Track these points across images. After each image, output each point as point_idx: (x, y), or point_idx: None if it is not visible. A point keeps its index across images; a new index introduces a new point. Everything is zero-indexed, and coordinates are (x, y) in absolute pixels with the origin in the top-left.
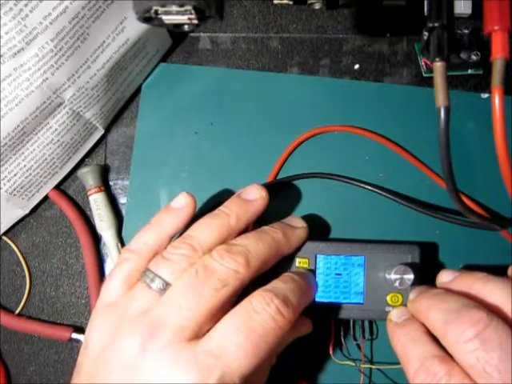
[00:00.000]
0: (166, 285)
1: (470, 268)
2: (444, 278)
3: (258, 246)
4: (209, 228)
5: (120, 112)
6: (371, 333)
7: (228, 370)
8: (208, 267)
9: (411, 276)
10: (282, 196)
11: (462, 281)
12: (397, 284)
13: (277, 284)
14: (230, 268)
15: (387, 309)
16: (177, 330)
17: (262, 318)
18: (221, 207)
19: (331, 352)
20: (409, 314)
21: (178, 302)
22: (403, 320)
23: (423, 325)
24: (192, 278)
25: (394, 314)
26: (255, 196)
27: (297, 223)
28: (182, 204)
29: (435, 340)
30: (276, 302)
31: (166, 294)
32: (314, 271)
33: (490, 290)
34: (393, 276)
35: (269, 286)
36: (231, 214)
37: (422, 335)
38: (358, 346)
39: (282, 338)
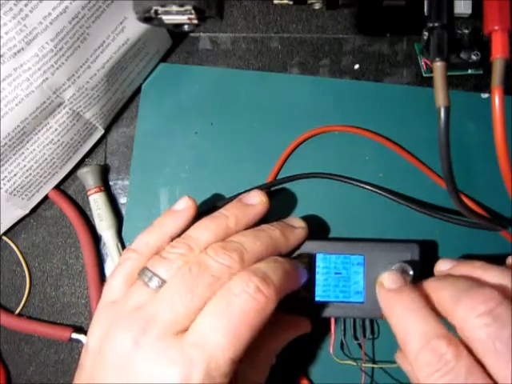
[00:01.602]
0: (163, 282)
1: None
2: (442, 266)
3: (254, 243)
4: (207, 229)
5: (120, 112)
6: (372, 332)
7: (213, 359)
8: (202, 264)
9: (411, 273)
10: (282, 196)
11: (461, 269)
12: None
13: (257, 265)
14: (223, 264)
15: None
16: (168, 324)
17: (241, 301)
18: (221, 210)
19: (332, 351)
20: (404, 282)
21: (171, 298)
22: (399, 287)
23: (423, 296)
24: (186, 274)
25: (387, 279)
26: (255, 201)
27: (296, 223)
28: (184, 207)
29: (438, 316)
30: (255, 280)
31: (160, 291)
32: (313, 270)
33: (490, 277)
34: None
35: (249, 268)
36: (230, 216)
37: (424, 308)
38: (359, 345)
39: (265, 318)
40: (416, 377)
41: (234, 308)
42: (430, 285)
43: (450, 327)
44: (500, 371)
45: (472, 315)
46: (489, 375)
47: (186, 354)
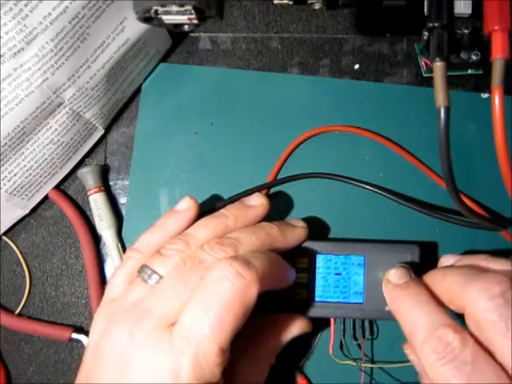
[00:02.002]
0: (160, 278)
1: None
2: (446, 261)
3: (250, 239)
4: (206, 227)
5: (120, 112)
6: (371, 332)
7: (200, 350)
8: (197, 258)
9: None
10: (282, 196)
11: (464, 261)
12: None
13: (241, 254)
14: (218, 258)
15: (387, 308)
16: (162, 317)
17: (221, 288)
18: (221, 210)
19: (331, 351)
20: (410, 277)
21: (165, 292)
22: (405, 282)
23: (429, 290)
24: (180, 268)
25: (394, 275)
26: (256, 202)
27: (297, 223)
28: (185, 207)
29: (443, 305)
30: (235, 265)
31: (156, 286)
32: (313, 271)
33: (494, 267)
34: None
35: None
36: (229, 215)
37: (430, 300)
38: (359, 345)
39: (249, 303)
40: (423, 367)
41: (215, 296)
42: (434, 275)
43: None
44: (509, 352)
45: (484, 297)
46: (496, 361)
47: (174, 346)
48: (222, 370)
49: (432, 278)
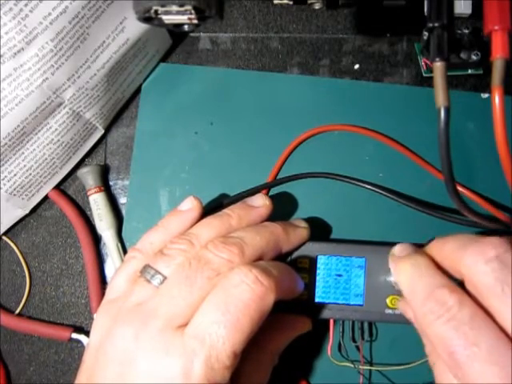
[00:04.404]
0: (164, 278)
1: None
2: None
3: (254, 238)
4: (209, 226)
5: (120, 112)
6: (370, 334)
7: (214, 351)
8: (202, 258)
9: None
10: (282, 196)
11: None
12: (397, 287)
13: (258, 262)
14: (223, 258)
15: (387, 311)
16: (169, 318)
17: (239, 291)
18: (224, 209)
19: (329, 353)
20: (412, 249)
21: (171, 292)
22: (407, 253)
23: (430, 258)
24: (186, 268)
25: (397, 249)
26: (259, 203)
27: (299, 223)
28: (189, 207)
29: (444, 273)
30: (254, 271)
31: (161, 286)
32: (314, 272)
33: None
34: (393, 278)
35: (249, 262)
36: (233, 215)
37: (430, 265)
38: (357, 347)
39: (266, 309)
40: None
41: (232, 299)
42: (434, 245)
43: None
44: (507, 315)
45: (481, 261)
46: (494, 321)
47: (186, 346)
48: (231, 373)
49: (433, 248)
